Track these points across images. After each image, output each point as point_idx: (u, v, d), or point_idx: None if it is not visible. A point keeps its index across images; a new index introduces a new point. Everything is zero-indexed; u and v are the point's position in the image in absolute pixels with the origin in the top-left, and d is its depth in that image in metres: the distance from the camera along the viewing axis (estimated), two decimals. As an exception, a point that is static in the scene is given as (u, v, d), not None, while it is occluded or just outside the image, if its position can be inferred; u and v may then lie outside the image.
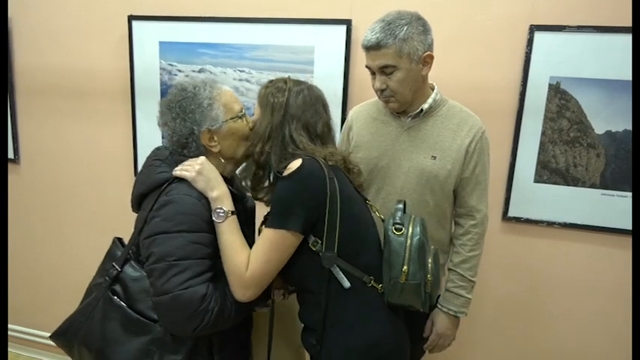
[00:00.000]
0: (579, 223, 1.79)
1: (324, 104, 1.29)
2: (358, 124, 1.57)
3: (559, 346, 1.91)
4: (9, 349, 2.67)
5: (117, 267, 1.23)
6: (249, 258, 1.14)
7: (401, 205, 1.27)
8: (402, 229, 1.19)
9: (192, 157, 1.25)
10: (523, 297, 1.90)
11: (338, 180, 1.15)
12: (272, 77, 1.95)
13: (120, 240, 1.30)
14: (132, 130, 2.20)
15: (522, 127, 1.77)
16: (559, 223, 1.81)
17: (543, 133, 1.76)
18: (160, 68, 2.09)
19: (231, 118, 1.24)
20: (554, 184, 1.79)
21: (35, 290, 2.56)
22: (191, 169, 1.19)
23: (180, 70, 2.07)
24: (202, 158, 1.22)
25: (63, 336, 1.27)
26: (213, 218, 1.17)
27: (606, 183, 1.74)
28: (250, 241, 1.27)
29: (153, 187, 1.22)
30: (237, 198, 1.32)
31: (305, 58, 1.92)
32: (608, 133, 1.71)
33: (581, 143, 1.74)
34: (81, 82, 2.24)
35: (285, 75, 1.94)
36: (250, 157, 1.26)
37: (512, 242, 1.88)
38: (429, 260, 1.20)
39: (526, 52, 1.71)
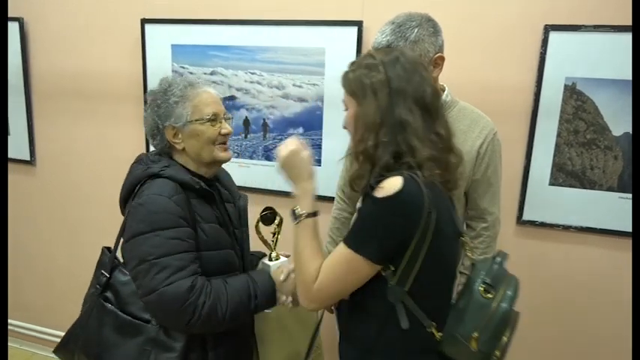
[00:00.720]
0: (596, 227, 1.74)
1: (424, 65, 1.10)
2: (368, 126, 1.56)
3: (574, 351, 1.86)
4: (24, 348, 2.72)
5: (105, 274, 1.26)
6: (321, 269, 1.03)
7: (500, 259, 1.11)
8: (491, 293, 1.03)
9: (160, 150, 1.29)
10: (538, 302, 1.86)
11: (437, 209, 0.98)
12: (283, 79, 2.00)
13: (109, 249, 1.33)
14: (144, 132, 2.21)
15: (537, 129, 1.73)
16: (575, 227, 1.76)
17: (559, 135, 1.72)
18: (172, 71, 2.10)
19: (196, 120, 1.23)
20: (570, 186, 1.75)
21: (51, 290, 2.60)
22: (284, 148, 1.11)
23: (191, 73, 2.08)
24: (300, 143, 1.11)
25: (64, 348, 1.32)
26: (290, 217, 1.10)
27: (624, 186, 1.69)
28: (245, 237, 1.37)
29: (129, 190, 1.24)
30: (227, 198, 1.37)
31: (316, 59, 1.91)
32: (626, 134, 1.66)
33: (598, 145, 1.70)
34: (95, 84, 2.26)
35: (297, 76, 1.98)
36: (358, 154, 1.06)
37: (527, 246, 1.84)
38: (506, 335, 1.03)
39: (541, 53, 1.68)
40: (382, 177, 0.99)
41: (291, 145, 1.12)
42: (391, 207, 0.96)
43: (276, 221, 1.45)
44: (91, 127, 2.33)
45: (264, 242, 1.44)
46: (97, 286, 1.27)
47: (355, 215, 1.08)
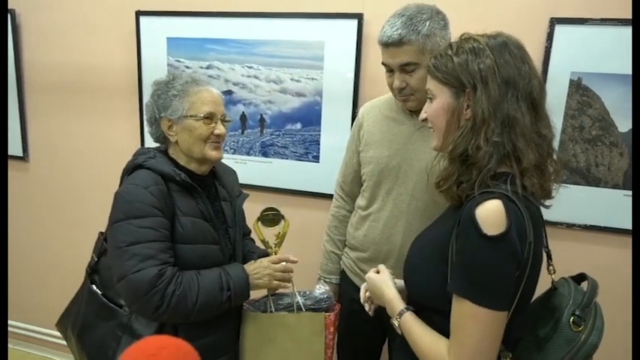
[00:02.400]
0: (601, 225, 1.71)
1: (528, 54, 0.96)
2: (369, 121, 1.51)
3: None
4: (17, 348, 2.68)
5: (95, 257, 1.35)
6: (453, 344, 0.91)
7: (593, 287, 1.01)
8: (581, 326, 0.93)
9: (156, 139, 1.35)
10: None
11: (534, 234, 0.89)
12: (281, 73, 1.95)
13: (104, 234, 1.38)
14: (139, 126, 2.17)
15: (541, 125, 1.69)
16: (579, 225, 1.73)
17: (563, 131, 1.68)
18: (168, 64, 2.05)
19: (191, 116, 1.25)
20: (574, 184, 1.71)
21: (47, 288, 2.56)
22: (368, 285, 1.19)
23: (187, 67, 2.03)
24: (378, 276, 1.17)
25: (61, 322, 1.43)
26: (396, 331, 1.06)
27: (630, 183, 1.66)
28: (238, 237, 1.37)
29: (120, 181, 1.30)
30: (224, 196, 1.39)
31: (315, 53, 1.87)
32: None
33: (604, 142, 1.66)
34: (89, 78, 2.21)
35: (296, 70, 1.93)
36: (455, 155, 0.95)
37: (530, 244, 1.81)
38: None
39: (546, 47, 1.64)
40: (481, 194, 0.88)
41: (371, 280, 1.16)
42: (504, 246, 0.85)
43: (281, 224, 1.40)
44: (85, 121, 2.28)
45: (264, 243, 1.40)
46: (87, 269, 1.36)
47: (455, 257, 0.92)
